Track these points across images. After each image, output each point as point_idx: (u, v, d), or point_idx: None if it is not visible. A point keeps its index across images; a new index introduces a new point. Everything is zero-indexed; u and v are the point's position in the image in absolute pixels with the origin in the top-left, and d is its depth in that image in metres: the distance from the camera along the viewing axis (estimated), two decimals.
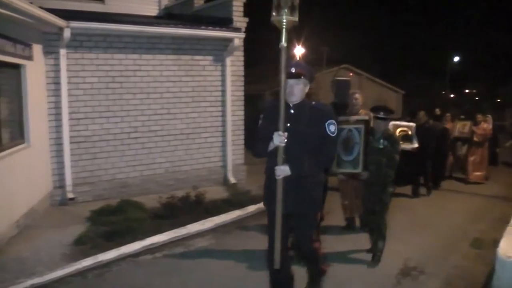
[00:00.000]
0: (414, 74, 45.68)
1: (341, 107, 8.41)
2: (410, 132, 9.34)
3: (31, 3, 7.00)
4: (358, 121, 6.53)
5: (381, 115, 6.23)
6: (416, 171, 10.68)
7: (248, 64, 11.47)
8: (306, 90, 4.32)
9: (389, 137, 6.25)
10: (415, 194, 10.63)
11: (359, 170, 6.27)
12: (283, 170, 4.05)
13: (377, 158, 6.14)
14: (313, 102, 4.37)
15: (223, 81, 10.73)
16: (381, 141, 6.19)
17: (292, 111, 4.22)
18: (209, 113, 10.58)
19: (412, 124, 9.64)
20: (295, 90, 4.21)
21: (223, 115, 10.75)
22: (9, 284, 5.39)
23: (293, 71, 4.20)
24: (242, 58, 11.08)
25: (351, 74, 31.00)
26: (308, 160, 4.20)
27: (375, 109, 6.37)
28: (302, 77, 4.22)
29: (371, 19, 57.68)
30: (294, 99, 4.23)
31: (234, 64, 10.88)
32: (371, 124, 6.46)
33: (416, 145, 9.26)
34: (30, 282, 5.47)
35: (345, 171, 6.59)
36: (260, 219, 7.83)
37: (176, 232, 7.29)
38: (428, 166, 10.93)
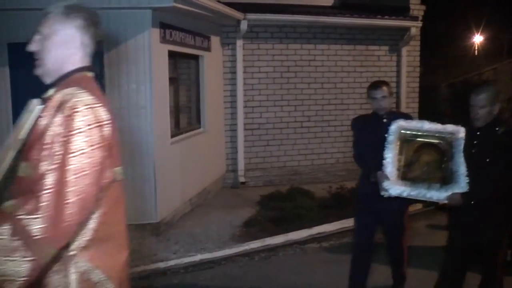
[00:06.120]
0: None
1: None
2: (448, 153, 3.75)
3: None
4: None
5: None
6: None
7: (422, 54, 10.99)
8: None
9: None
10: None
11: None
12: None
13: None
14: None
15: (398, 71, 10.39)
16: None
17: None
18: None
19: (457, 129, 3.70)
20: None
21: (396, 107, 10.37)
22: (181, 255, 5.82)
23: None
24: (418, 48, 10.66)
25: None
26: None
27: None
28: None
29: None
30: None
31: (410, 54, 10.46)
32: None
33: (463, 188, 3.56)
34: (200, 256, 5.82)
35: None
36: (429, 217, 7.42)
37: (344, 223, 7.16)
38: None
